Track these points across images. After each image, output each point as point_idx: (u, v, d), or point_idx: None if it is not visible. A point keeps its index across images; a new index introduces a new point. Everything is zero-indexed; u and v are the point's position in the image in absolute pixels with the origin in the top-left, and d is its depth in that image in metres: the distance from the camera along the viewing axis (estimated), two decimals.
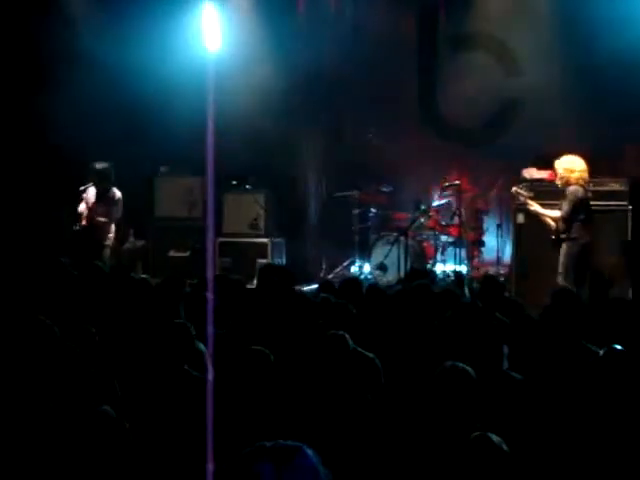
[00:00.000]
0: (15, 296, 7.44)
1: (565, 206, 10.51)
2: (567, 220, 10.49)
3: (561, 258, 10.57)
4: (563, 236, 10.53)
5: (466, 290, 10.21)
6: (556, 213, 10.59)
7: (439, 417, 5.04)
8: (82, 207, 11.49)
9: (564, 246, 10.59)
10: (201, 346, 6.06)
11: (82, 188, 11.50)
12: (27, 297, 7.45)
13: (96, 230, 11.40)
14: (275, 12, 13.30)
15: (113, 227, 11.57)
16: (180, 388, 5.66)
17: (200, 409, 5.12)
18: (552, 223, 10.67)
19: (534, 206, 10.88)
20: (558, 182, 10.66)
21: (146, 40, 12.63)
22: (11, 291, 7.61)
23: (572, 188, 10.56)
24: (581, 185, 10.56)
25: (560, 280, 10.43)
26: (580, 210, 10.53)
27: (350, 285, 8.27)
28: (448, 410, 5.03)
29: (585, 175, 10.59)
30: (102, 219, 11.41)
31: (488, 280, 8.73)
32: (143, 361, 6.16)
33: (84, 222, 11.42)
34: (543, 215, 10.75)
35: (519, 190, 11.14)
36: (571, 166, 10.57)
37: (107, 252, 11.42)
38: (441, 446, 4.88)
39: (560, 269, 10.53)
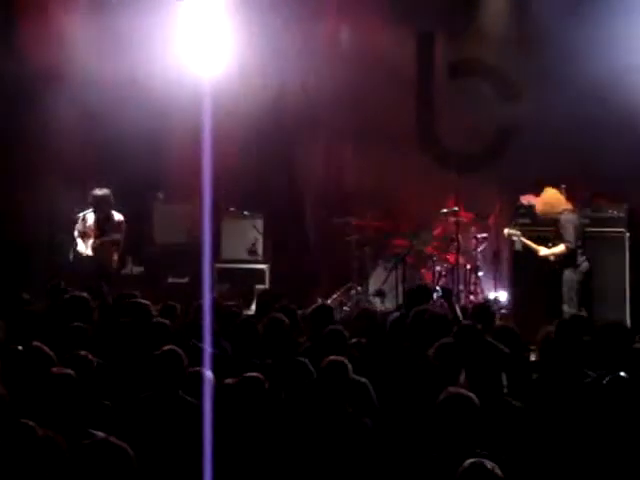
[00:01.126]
0: (14, 322, 7.43)
1: (568, 236, 10.56)
2: (574, 247, 10.56)
3: (565, 286, 10.60)
4: (570, 264, 10.57)
5: (457, 308, 10.19)
6: (560, 248, 10.61)
7: (442, 443, 5.02)
8: (82, 232, 11.47)
9: (567, 273, 10.62)
10: (203, 371, 6.03)
11: (80, 215, 11.50)
12: (26, 324, 7.44)
13: (102, 257, 11.39)
14: (272, 37, 13.32)
15: (116, 254, 11.58)
16: (174, 414, 5.64)
17: (195, 435, 5.11)
18: (552, 258, 10.71)
19: (540, 251, 10.87)
20: (542, 212, 10.76)
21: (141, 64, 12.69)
22: (11, 317, 7.60)
23: (565, 217, 10.65)
24: (572, 212, 10.66)
25: (565, 308, 10.45)
26: (579, 236, 10.62)
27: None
28: (451, 437, 5.01)
29: (568, 204, 10.66)
30: (107, 245, 11.41)
31: (479, 309, 8.70)
32: (138, 387, 6.15)
33: (88, 250, 11.39)
34: (548, 255, 10.76)
35: (511, 231, 11.19)
36: (545, 200, 10.70)
37: (113, 280, 11.42)
38: (439, 472, 4.87)
39: (564, 297, 10.56)
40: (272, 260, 13.44)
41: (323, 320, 7.81)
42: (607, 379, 5.77)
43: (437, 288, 12.02)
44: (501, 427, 5.47)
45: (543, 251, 10.85)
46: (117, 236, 11.51)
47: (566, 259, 10.60)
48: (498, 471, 4.32)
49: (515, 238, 11.17)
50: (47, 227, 12.63)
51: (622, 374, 5.75)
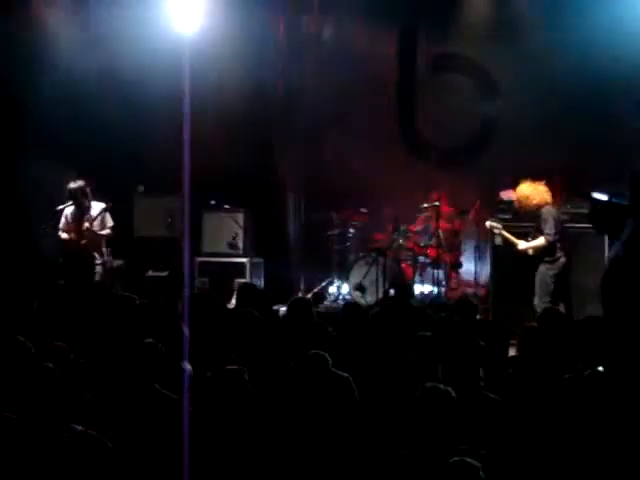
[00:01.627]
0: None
1: (548, 229, 10.59)
2: (554, 240, 10.60)
3: (538, 279, 10.64)
4: (548, 259, 10.61)
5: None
6: (540, 241, 10.64)
7: (420, 438, 5.04)
8: (62, 224, 11.45)
9: (542, 268, 10.66)
10: (183, 364, 6.02)
11: (60, 208, 11.46)
12: (7, 317, 7.43)
13: (88, 248, 11.37)
14: (256, 33, 13.30)
15: (105, 244, 11.56)
16: (151, 407, 5.64)
17: (173, 429, 5.11)
18: (531, 252, 10.75)
19: (519, 244, 10.89)
20: (519, 207, 10.80)
21: (128, 59, 12.66)
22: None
23: (546, 209, 10.69)
24: (553, 205, 10.70)
25: (536, 301, 10.49)
26: (558, 230, 10.66)
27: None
28: (429, 431, 5.03)
29: (548, 196, 10.70)
30: (101, 232, 11.40)
31: (461, 303, 8.72)
32: (116, 380, 6.14)
33: (71, 236, 11.37)
34: (529, 248, 10.78)
35: (492, 224, 11.21)
36: (540, 190, 10.71)
37: (99, 269, 11.40)
38: (422, 469, 4.89)
39: (537, 290, 10.59)
40: (253, 254, 13.43)
41: (302, 314, 7.82)
42: (585, 374, 5.80)
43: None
44: (478, 420, 5.49)
45: (522, 245, 10.87)
46: (104, 224, 11.49)
47: (544, 252, 10.64)
48: (482, 473, 4.35)
49: (496, 231, 11.20)
50: (27, 219, 12.56)
51: (600, 369, 5.79)
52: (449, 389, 5.15)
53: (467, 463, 4.39)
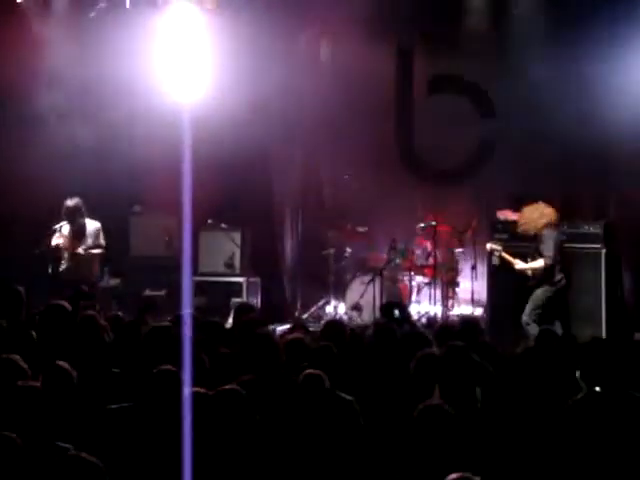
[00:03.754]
0: None
1: (547, 251, 10.58)
2: (554, 262, 10.58)
3: (532, 300, 10.61)
4: (547, 281, 10.60)
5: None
6: (539, 263, 10.63)
7: (421, 457, 5.03)
8: (59, 242, 11.44)
9: (540, 290, 10.64)
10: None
11: (57, 226, 11.46)
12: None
13: (82, 268, 11.37)
14: (253, 52, 13.32)
15: (97, 265, 11.56)
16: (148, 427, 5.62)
17: (170, 447, 5.08)
18: (530, 273, 10.74)
19: (517, 264, 10.88)
20: (519, 229, 10.79)
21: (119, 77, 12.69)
22: None
23: (547, 232, 10.67)
24: (554, 227, 10.69)
25: (524, 318, 10.47)
26: (558, 253, 10.65)
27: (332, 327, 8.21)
28: (430, 450, 5.03)
29: (554, 218, 10.70)
30: (92, 251, 11.40)
31: (467, 322, 8.68)
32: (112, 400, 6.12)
33: (63, 259, 11.37)
34: (527, 269, 10.77)
35: (494, 246, 11.20)
36: (530, 215, 10.71)
37: (94, 290, 11.40)
38: None
39: (526, 309, 10.56)
40: (249, 273, 13.42)
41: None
42: (581, 395, 5.80)
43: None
44: (476, 441, 5.49)
45: (520, 265, 10.86)
46: (98, 243, 11.49)
47: (544, 274, 10.64)
48: None
49: (497, 253, 11.17)
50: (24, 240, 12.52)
51: (597, 389, 5.79)
52: (448, 407, 5.15)
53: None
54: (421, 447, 5.07)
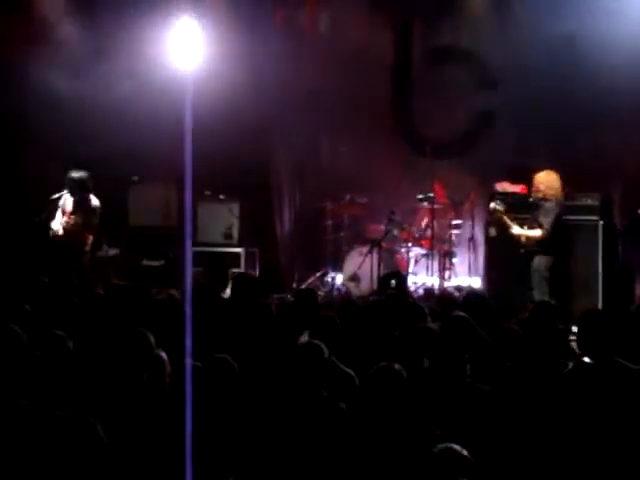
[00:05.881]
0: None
1: (547, 223, 10.60)
2: (550, 236, 10.60)
3: (533, 273, 10.66)
4: (541, 250, 10.62)
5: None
6: (537, 233, 10.65)
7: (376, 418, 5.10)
8: (59, 215, 11.48)
9: (536, 259, 10.68)
10: (162, 354, 6.00)
11: (56, 196, 11.47)
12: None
13: (74, 238, 11.39)
14: (251, 27, 13.29)
15: (91, 236, 11.56)
16: (140, 397, 5.65)
17: (161, 419, 5.12)
18: (523, 239, 10.74)
19: (514, 228, 10.87)
20: (534, 195, 10.79)
21: (122, 49, 12.66)
22: None
23: (550, 204, 10.70)
24: (558, 201, 10.70)
25: (535, 294, 10.50)
26: (559, 225, 10.67)
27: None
28: (383, 410, 5.13)
29: (560, 192, 10.74)
30: (79, 227, 11.40)
31: (472, 294, 8.70)
32: (107, 369, 6.15)
33: (60, 230, 11.41)
34: (523, 235, 10.77)
35: (497, 206, 11.17)
36: (551, 183, 10.73)
37: (86, 260, 11.43)
38: (406, 457, 4.93)
39: (534, 283, 10.61)
40: (248, 244, 13.45)
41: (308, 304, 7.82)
42: (571, 365, 5.85)
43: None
44: (466, 411, 5.53)
45: (516, 230, 10.83)
46: (92, 222, 11.50)
47: (540, 246, 10.66)
48: (466, 453, 4.38)
49: (498, 213, 11.10)
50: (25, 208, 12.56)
51: (586, 360, 5.83)
52: (400, 368, 5.31)
53: (453, 450, 4.43)
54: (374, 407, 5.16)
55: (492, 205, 11.23)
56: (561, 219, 10.83)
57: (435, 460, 4.39)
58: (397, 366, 5.35)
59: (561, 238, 10.82)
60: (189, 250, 7.73)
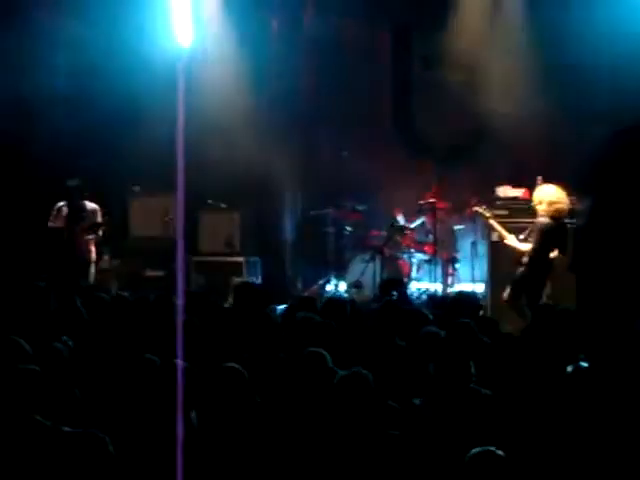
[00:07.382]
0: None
1: (535, 243, 10.30)
2: (537, 254, 10.31)
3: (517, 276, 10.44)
4: (525, 260, 10.38)
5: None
6: (526, 248, 10.41)
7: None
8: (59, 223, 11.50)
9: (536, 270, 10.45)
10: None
11: (58, 206, 11.51)
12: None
13: (79, 247, 11.40)
14: (250, 30, 13.31)
15: (94, 247, 11.59)
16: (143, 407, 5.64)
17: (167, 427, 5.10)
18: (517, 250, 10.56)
19: (507, 238, 10.71)
20: (560, 208, 10.45)
21: (116, 52, 12.66)
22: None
23: (540, 221, 10.35)
24: (551, 217, 10.31)
25: (505, 295, 10.37)
26: (549, 243, 10.34)
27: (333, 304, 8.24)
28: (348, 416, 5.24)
29: (558, 207, 10.32)
30: (88, 236, 11.43)
31: (463, 297, 8.72)
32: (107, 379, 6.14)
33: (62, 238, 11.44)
34: (512, 247, 10.61)
35: (480, 210, 11.06)
36: (544, 198, 10.33)
37: (92, 269, 11.45)
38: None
39: (512, 284, 10.42)
40: (249, 253, 13.42)
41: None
42: (569, 369, 5.85)
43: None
44: (470, 416, 5.53)
45: (511, 241, 10.64)
46: (94, 221, 11.53)
47: (529, 262, 10.37)
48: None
49: (484, 218, 10.97)
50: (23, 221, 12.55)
51: (583, 364, 5.84)
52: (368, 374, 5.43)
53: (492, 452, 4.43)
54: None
55: (475, 209, 11.16)
56: (549, 236, 10.35)
57: (472, 462, 4.40)
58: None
59: (547, 259, 10.41)
60: (181, 260, 7.70)
